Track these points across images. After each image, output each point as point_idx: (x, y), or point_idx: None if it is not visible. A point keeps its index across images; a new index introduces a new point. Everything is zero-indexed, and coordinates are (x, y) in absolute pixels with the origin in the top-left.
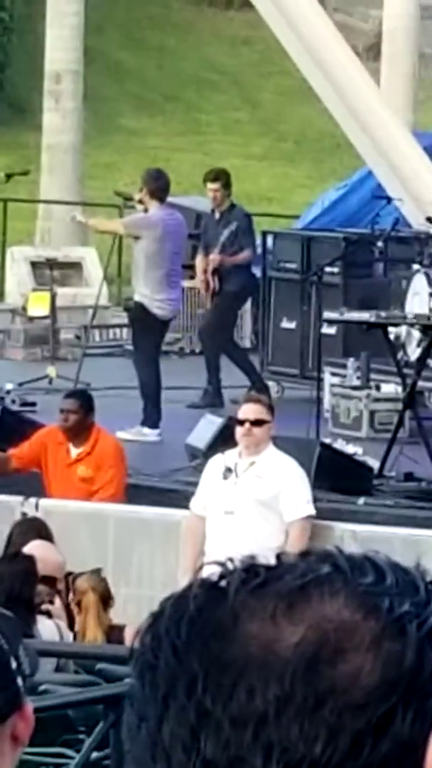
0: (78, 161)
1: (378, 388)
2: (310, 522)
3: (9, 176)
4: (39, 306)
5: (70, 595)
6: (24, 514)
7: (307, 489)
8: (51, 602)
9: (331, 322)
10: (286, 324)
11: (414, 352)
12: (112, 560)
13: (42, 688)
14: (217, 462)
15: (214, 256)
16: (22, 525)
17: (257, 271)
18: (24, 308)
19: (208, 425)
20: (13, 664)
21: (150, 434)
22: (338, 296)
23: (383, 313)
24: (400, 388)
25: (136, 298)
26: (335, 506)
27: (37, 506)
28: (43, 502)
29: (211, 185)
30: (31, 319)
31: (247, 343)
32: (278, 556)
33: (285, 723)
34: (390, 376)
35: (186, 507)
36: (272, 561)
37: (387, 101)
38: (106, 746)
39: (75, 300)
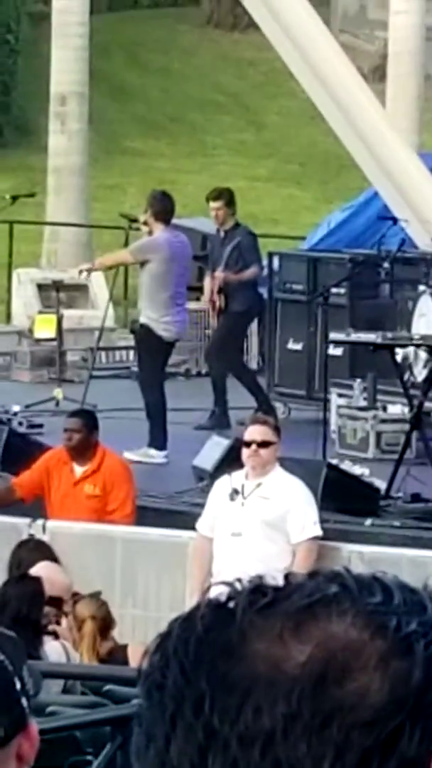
0: (84, 183)
1: (385, 409)
2: (317, 543)
3: (15, 198)
4: (45, 328)
5: (70, 618)
6: (31, 536)
7: (314, 510)
8: (58, 623)
9: (337, 343)
10: (292, 345)
11: (421, 373)
12: (119, 582)
13: (49, 709)
14: (223, 483)
15: (219, 274)
16: (28, 544)
17: (263, 292)
18: (30, 330)
19: (215, 447)
20: (18, 685)
21: (157, 456)
22: (345, 317)
23: (390, 334)
24: (406, 409)
25: (142, 320)
26: (342, 527)
27: (44, 528)
28: (50, 524)
29: (213, 204)
30: (38, 341)
31: (253, 365)
32: (286, 577)
33: (292, 741)
34: (397, 397)
35: (193, 528)
36: (280, 581)
37: (393, 122)
38: None
39: (81, 322)
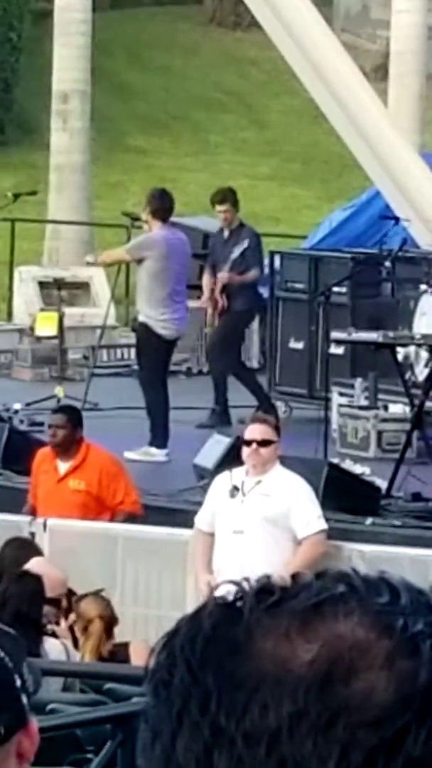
0: (86, 181)
1: (386, 408)
2: (324, 537)
3: (17, 196)
4: (47, 326)
5: (71, 616)
6: (32, 534)
7: (316, 505)
8: (57, 623)
9: (338, 342)
10: (293, 344)
11: (422, 373)
12: (120, 580)
13: (50, 707)
14: (223, 480)
15: (223, 275)
16: (14, 542)
17: (265, 291)
18: (32, 328)
19: (216, 445)
20: (18, 682)
21: (158, 454)
22: (346, 316)
23: (391, 334)
24: (407, 409)
25: (141, 318)
26: (343, 526)
27: (45, 526)
28: (51, 522)
29: (219, 207)
30: (39, 339)
31: (254, 364)
32: (293, 576)
33: (298, 739)
34: (398, 397)
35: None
36: (287, 581)
37: (394, 122)
38: (114, 766)
39: (83, 320)
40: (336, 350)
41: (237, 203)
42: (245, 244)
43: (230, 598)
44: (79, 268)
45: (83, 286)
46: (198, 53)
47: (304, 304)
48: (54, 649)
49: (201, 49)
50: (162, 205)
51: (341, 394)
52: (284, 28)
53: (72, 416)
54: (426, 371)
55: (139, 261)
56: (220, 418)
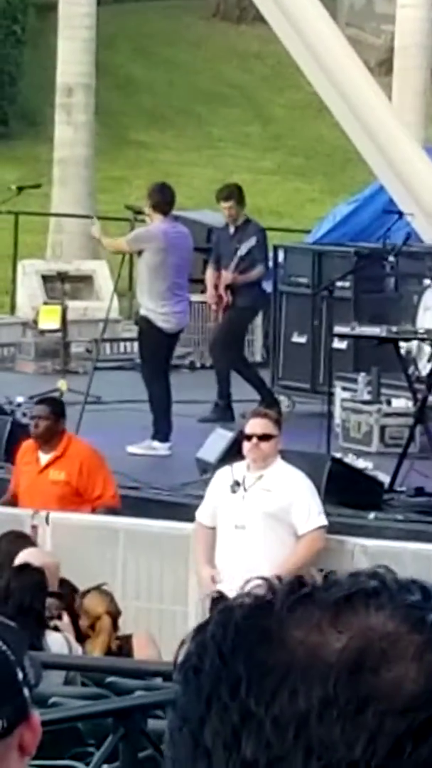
0: (90, 175)
1: (389, 402)
2: (323, 532)
3: (20, 189)
4: (50, 319)
5: (76, 603)
6: (34, 527)
7: (316, 500)
8: (59, 617)
9: (342, 336)
10: (297, 338)
11: (425, 367)
12: (121, 573)
13: (52, 700)
14: (224, 474)
15: (227, 275)
16: (8, 536)
17: (268, 286)
18: (35, 321)
19: (219, 439)
20: (20, 675)
21: (160, 448)
22: (349, 311)
23: (394, 328)
24: (410, 403)
25: (142, 312)
26: (345, 521)
27: (47, 519)
28: (53, 515)
29: (224, 204)
30: (42, 332)
31: (257, 358)
32: (326, 575)
33: (327, 725)
34: (401, 391)
35: None
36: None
37: (399, 116)
38: (116, 759)
39: (86, 313)
40: (339, 345)
41: (243, 199)
42: (252, 242)
43: (262, 591)
44: (83, 262)
45: (86, 280)
46: (202, 47)
47: (307, 299)
48: (56, 642)
49: (205, 43)
50: (162, 199)
51: (344, 389)
52: (288, 23)
53: (55, 408)
54: (429, 366)
55: (138, 253)
56: (223, 412)
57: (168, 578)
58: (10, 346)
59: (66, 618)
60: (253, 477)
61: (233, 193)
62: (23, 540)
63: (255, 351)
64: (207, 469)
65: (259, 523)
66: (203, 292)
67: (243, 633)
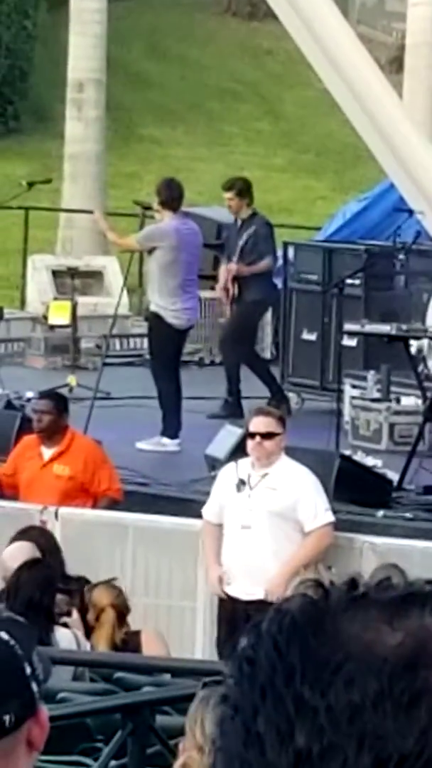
0: (100, 170)
1: (398, 400)
2: (331, 529)
3: (31, 184)
4: (60, 315)
5: (86, 596)
6: (43, 523)
7: (323, 497)
8: (69, 613)
9: (351, 334)
10: (306, 336)
11: None
12: (131, 569)
13: (60, 696)
14: (230, 472)
15: (232, 266)
16: (32, 531)
17: (278, 282)
18: (45, 317)
19: (228, 436)
20: (28, 670)
21: (169, 444)
22: (359, 308)
23: (404, 326)
24: (420, 401)
25: (152, 308)
26: (354, 518)
27: (56, 514)
28: (62, 510)
29: (226, 194)
30: (52, 327)
31: (267, 355)
32: (380, 581)
33: (381, 716)
34: (410, 389)
35: None
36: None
37: (409, 114)
38: (124, 755)
39: (96, 309)
40: (349, 342)
41: (247, 193)
42: (251, 231)
43: (316, 591)
44: (93, 258)
45: (96, 276)
46: (213, 43)
47: (317, 296)
48: (64, 638)
49: (216, 40)
50: (171, 195)
51: (354, 386)
52: (300, 19)
53: (58, 402)
54: None
55: (150, 251)
56: (233, 408)
57: (177, 574)
58: (19, 341)
59: (75, 614)
60: (258, 475)
61: (235, 185)
62: (48, 536)
63: (264, 348)
64: (216, 465)
65: (264, 522)
66: (212, 288)
67: (298, 627)
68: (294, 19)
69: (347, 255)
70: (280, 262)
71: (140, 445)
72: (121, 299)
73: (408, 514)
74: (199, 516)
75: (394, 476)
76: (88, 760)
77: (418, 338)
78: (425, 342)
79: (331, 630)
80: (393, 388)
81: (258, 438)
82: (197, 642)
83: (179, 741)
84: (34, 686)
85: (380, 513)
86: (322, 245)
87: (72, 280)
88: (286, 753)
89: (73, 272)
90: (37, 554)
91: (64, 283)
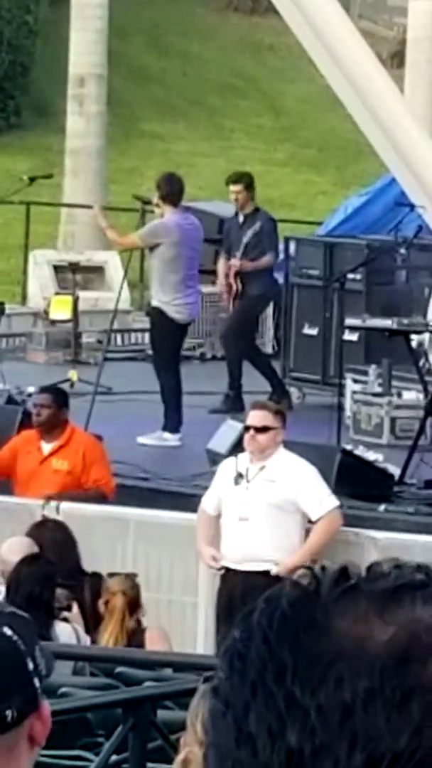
0: (102, 165)
1: (399, 395)
2: (338, 512)
3: (32, 179)
4: (61, 310)
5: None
6: (44, 518)
7: (323, 484)
8: (69, 607)
9: (353, 328)
10: (308, 330)
11: None
12: (131, 564)
13: (61, 690)
14: (229, 465)
15: (235, 261)
16: (47, 524)
17: (279, 277)
18: (46, 312)
19: (229, 430)
20: (30, 665)
21: (171, 439)
22: (360, 303)
23: (405, 321)
24: (421, 396)
25: (154, 303)
26: (356, 513)
27: (57, 509)
28: (64, 505)
29: (233, 187)
30: (54, 322)
31: (268, 349)
32: (370, 566)
33: (372, 715)
34: (411, 384)
35: None
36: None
37: (411, 109)
38: (125, 750)
39: (97, 304)
40: (350, 337)
41: (253, 188)
42: (257, 227)
43: (307, 580)
44: (95, 253)
45: (98, 270)
46: (215, 38)
47: (318, 291)
48: (64, 632)
49: (218, 35)
50: (171, 190)
51: (355, 381)
52: (301, 14)
53: (57, 396)
54: None
55: (152, 249)
56: (234, 403)
57: (178, 569)
58: (21, 336)
59: (75, 608)
60: (255, 468)
61: (243, 178)
62: (64, 528)
63: (266, 342)
64: (217, 460)
65: (262, 514)
66: (214, 283)
67: (289, 621)
68: (295, 14)
69: (348, 250)
70: (282, 256)
71: (141, 439)
72: (122, 294)
73: (409, 509)
74: None
75: (395, 471)
76: (89, 755)
77: (419, 332)
78: (426, 336)
79: (322, 624)
80: (394, 383)
81: (252, 431)
82: (198, 637)
83: (180, 736)
84: (36, 682)
85: (382, 507)
86: (324, 240)
87: (73, 275)
88: (278, 753)
89: (74, 267)
90: (36, 549)
91: (66, 278)
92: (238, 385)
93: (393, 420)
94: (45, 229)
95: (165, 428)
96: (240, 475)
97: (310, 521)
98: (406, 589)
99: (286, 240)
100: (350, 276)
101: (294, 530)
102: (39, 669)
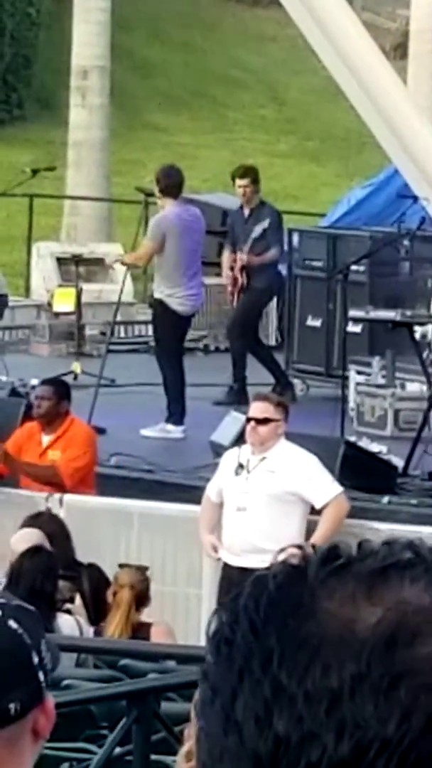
0: (104, 157)
1: (403, 386)
2: (344, 497)
3: (35, 172)
4: (64, 302)
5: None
6: (48, 510)
7: (325, 472)
8: (72, 599)
9: (356, 320)
10: (311, 322)
11: None
12: (135, 556)
13: (65, 683)
14: (232, 455)
15: (242, 256)
16: (42, 516)
17: (283, 269)
18: (49, 304)
19: (233, 422)
20: (35, 659)
21: (174, 431)
22: (364, 294)
23: (408, 312)
24: (425, 387)
25: (156, 295)
26: (359, 504)
27: (61, 502)
28: (67, 497)
29: (240, 181)
30: (57, 314)
31: (272, 341)
32: (359, 544)
33: (359, 701)
34: (415, 375)
35: None
36: (353, 549)
37: (414, 100)
38: (129, 742)
39: (100, 296)
40: (353, 328)
41: (258, 182)
42: (266, 223)
43: (295, 561)
44: (98, 245)
45: (101, 262)
46: (218, 30)
47: (322, 282)
48: (66, 624)
49: (221, 26)
50: (171, 182)
51: (358, 373)
52: (303, 6)
53: (58, 388)
54: None
55: (163, 243)
56: (238, 395)
57: (182, 561)
58: (24, 328)
59: (78, 600)
60: (256, 459)
61: (249, 172)
62: (58, 522)
63: (269, 334)
64: (221, 452)
65: (261, 504)
66: (218, 275)
67: (275, 604)
68: (298, 5)
69: (352, 241)
70: (285, 248)
71: (145, 431)
72: (126, 286)
73: (413, 500)
74: None
75: (399, 462)
76: (92, 747)
77: (422, 324)
78: (430, 328)
79: (309, 607)
80: (398, 374)
81: (253, 423)
82: (202, 628)
83: (184, 728)
84: (41, 675)
85: (385, 499)
86: (327, 232)
87: (76, 267)
88: (265, 741)
89: (77, 259)
90: (45, 542)
91: (69, 270)
92: (243, 378)
93: (396, 411)
94: (48, 221)
95: (168, 420)
96: (240, 466)
97: (313, 512)
98: (394, 568)
99: (290, 232)
100: (353, 268)
101: (293, 521)
102: (44, 663)
